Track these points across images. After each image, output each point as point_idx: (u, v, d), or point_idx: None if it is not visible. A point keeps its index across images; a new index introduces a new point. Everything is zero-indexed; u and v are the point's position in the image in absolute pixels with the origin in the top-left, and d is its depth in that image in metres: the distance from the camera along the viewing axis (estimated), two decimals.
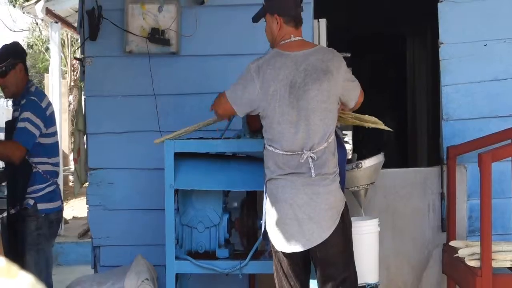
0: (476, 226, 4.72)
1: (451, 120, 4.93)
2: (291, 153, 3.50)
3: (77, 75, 13.82)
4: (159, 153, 4.37)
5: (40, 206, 4.44)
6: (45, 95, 4.66)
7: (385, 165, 4.41)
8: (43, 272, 4.43)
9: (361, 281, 3.87)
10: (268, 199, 3.58)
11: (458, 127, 4.88)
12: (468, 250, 4.08)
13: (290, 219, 3.49)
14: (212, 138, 4.36)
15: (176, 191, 4.24)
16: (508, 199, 4.61)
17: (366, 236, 4.00)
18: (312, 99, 3.49)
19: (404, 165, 7.38)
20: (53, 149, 4.58)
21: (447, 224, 4.76)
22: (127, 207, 5.05)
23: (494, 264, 3.91)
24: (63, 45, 14.72)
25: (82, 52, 5.19)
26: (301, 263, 3.61)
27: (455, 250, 4.25)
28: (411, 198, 4.94)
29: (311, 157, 3.47)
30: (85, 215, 5.26)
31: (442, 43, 4.96)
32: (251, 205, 4.41)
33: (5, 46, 4.66)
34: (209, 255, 4.26)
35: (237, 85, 3.63)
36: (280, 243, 3.53)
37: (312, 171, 3.47)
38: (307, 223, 3.47)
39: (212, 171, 4.26)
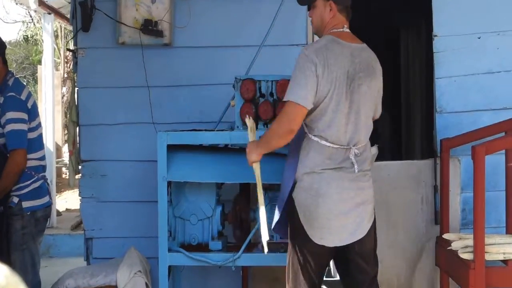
0: (470, 219, 4.72)
1: (444, 112, 4.92)
2: (338, 146, 3.43)
3: (71, 67, 13.77)
4: (152, 145, 4.36)
5: (25, 204, 4.33)
6: (23, 87, 4.46)
7: (379, 158, 4.40)
8: (29, 271, 4.37)
9: None
10: (305, 192, 3.46)
11: (452, 119, 4.88)
12: (461, 243, 4.08)
13: (335, 214, 3.43)
14: (206, 130, 4.35)
15: (169, 183, 4.23)
16: (501, 192, 4.60)
17: None
18: (363, 94, 3.47)
19: (398, 157, 7.38)
20: (37, 143, 4.46)
21: (440, 217, 4.76)
22: (120, 199, 5.04)
23: (487, 257, 3.91)
24: (56, 37, 14.66)
25: (75, 44, 5.16)
26: (327, 260, 3.59)
27: (448, 242, 4.25)
28: (405, 190, 4.93)
29: (355, 152, 3.45)
30: (78, 207, 5.24)
31: (436, 35, 4.95)
32: (244, 198, 4.41)
33: None
34: (202, 248, 4.25)
35: (296, 83, 3.43)
36: (322, 237, 3.45)
37: (356, 166, 3.45)
38: (352, 218, 3.46)
39: (205, 163, 4.25)
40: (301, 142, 3.52)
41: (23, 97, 4.36)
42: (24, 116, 4.32)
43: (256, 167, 3.68)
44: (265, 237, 3.60)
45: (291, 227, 3.58)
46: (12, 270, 1.39)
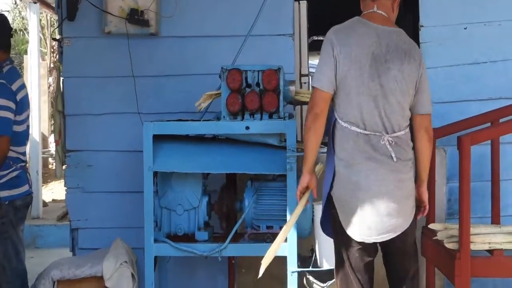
0: (455, 209, 4.73)
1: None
2: (369, 132, 3.33)
3: (57, 57, 13.70)
4: (138, 135, 4.35)
5: (2, 193, 4.27)
6: (18, 78, 4.42)
7: None
8: (13, 259, 4.36)
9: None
10: (343, 185, 3.37)
11: (438, 110, 4.86)
12: (446, 233, 4.08)
13: (375, 208, 3.33)
14: (192, 120, 4.34)
15: (155, 173, 4.22)
16: (487, 182, 4.62)
17: None
18: (392, 78, 3.36)
19: None
20: (22, 137, 4.39)
21: None
22: (106, 190, 5.02)
23: (473, 247, 3.92)
24: (42, 27, 14.57)
25: (60, 33, 5.13)
26: (372, 256, 3.49)
27: (434, 232, 4.25)
28: None
29: (389, 141, 3.34)
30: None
31: (422, 26, 4.95)
32: (231, 188, 4.40)
33: None
34: (188, 238, 4.25)
35: (319, 69, 3.38)
36: (361, 233, 3.38)
37: (393, 155, 3.34)
38: (392, 212, 3.35)
39: (191, 154, 4.24)
40: (334, 133, 3.42)
41: (14, 87, 4.31)
42: (11, 105, 4.26)
43: (304, 197, 3.51)
44: (268, 259, 3.55)
45: (331, 223, 3.49)
46: None
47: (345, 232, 3.40)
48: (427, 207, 3.62)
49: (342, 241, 3.44)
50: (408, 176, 3.41)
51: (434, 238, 4.21)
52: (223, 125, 4.15)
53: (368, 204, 3.33)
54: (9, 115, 4.25)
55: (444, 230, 4.13)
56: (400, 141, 3.38)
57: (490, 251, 3.99)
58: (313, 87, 3.41)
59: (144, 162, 4.13)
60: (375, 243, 3.45)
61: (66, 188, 5.08)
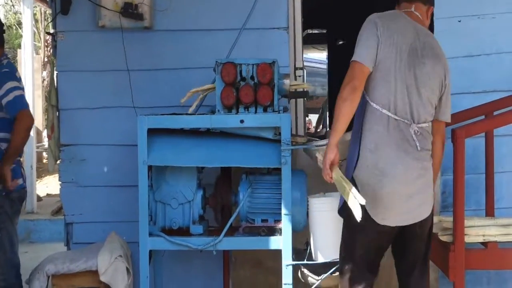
0: (449, 202, 4.74)
1: None
2: (399, 118, 3.44)
3: (51, 51, 13.66)
4: (132, 129, 4.34)
5: None
6: (16, 69, 4.65)
7: None
8: (7, 250, 4.40)
9: (333, 257, 3.89)
10: (369, 170, 3.45)
11: None
12: (441, 226, 4.10)
13: (399, 194, 3.45)
14: (186, 114, 4.33)
15: (150, 167, 4.22)
16: (481, 175, 4.63)
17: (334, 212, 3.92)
18: (425, 74, 3.50)
19: None
20: None
21: None
22: (100, 184, 5.01)
23: (467, 239, 3.94)
24: (36, 21, 14.53)
25: (54, 27, 5.11)
26: (387, 242, 3.58)
27: None
28: None
29: (415, 130, 3.47)
30: (59, 192, 5.20)
31: None
32: (225, 181, 4.40)
33: None
34: (183, 232, 4.25)
35: (361, 44, 3.46)
36: (384, 217, 3.46)
37: (417, 143, 3.46)
38: (415, 199, 3.48)
39: (186, 147, 4.23)
40: (364, 116, 3.50)
41: (17, 75, 4.55)
42: (21, 85, 4.49)
43: (336, 173, 3.46)
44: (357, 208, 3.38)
45: (355, 207, 3.47)
46: None
47: (368, 215, 3.45)
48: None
49: (360, 224, 3.41)
50: (429, 165, 3.56)
51: None
52: (218, 118, 4.15)
53: (393, 190, 3.44)
54: (23, 92, 4.46)
55: (439, 223, 4.14)
56: (424, 132, 3.53)
57: (484, 244, 4.01)
58: (353, 61, 3.45)
59: (139, 156, 4.13)
60: (394, 230, 3.51)
61: (60, 182, 5.07)
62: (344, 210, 3.54)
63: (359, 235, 3.53)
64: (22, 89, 4.50)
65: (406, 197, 3.46)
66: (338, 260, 3.79)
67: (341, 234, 3.67)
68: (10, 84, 4.40)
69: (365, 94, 3.49)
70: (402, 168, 3.44)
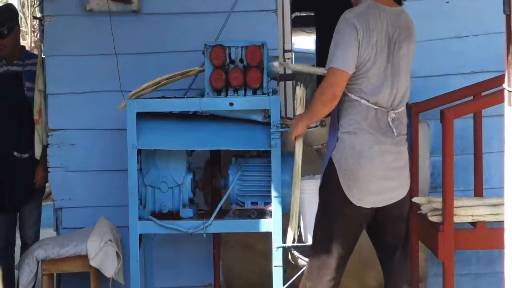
0: (438, 182, 4.76)
1: (413, 77, 4.88)
2: (378, 107, 3.49)
3: (38, 36, 13.57)
4: (121, 113, 4.33)
5: None
6: None
7: None
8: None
9: None
10: (347, 152, 3.49)
11: (421, 84, 4.88)
12: (430, 206, 4.11)
13: (376, 177, 3.49)
14: (175, 97, 4.32)
15: (139, 151, 4.21)
16: (470, 156, 4.65)
17: None
18: (402, 57, 3.54)
19: None
20: None
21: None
22: (89, 169, 4.99)
23: (456, 219, 3.96)
24: (23, 6, 14.43)
25: (41, 11, 5.07)
26: (361, 225, 3.59)
27: (417, 206, 4.28)
28: None
29: (392, 117, 3.51)
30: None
31: (405, 0, 4.94)
32: (215, 165, 4.40)
33: (1, 9, 5.12)
34: (173, 215, 4.25)
35: (338, 48, 3.47)
36: (360, 198, 3.50)
37: (394, 130, 3.51)
38: (391, 182, 3.54)
39: (175, 131, 4.23)
40: (342, 104, 3.54)
41: None
42: None
43: (299, 143, 3.73)
44: (291, 235, 3.74)
45: (326, 188, 3.59)
46: None
47: (345, 196, 3.49)
48: None
49: (336, 204, 3.52)
50: (405, 148, 3.62)
51: (418, 211, 4.24)
52: (207, 101, 4.14)
53: (369, 171, 3.49)
54: None
55: (428, 203, 4.16)
56: (400, 116, 3.57)
57: (473, 224, 4.03)
58: (334, 68, 3.45)
59: (128, 140, 4.12)
60: (369, 212, 3.54)
61: (49, 167, 5.05)
62: (324, 188, 3.59)
63: (335, 219, 3.54)
64: None
65: (382, 179, 3.51)
66: None
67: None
68: None
69: (353, 84, 3.53)
70: (379, 151, 3.49)
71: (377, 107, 3.49)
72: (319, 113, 3.59)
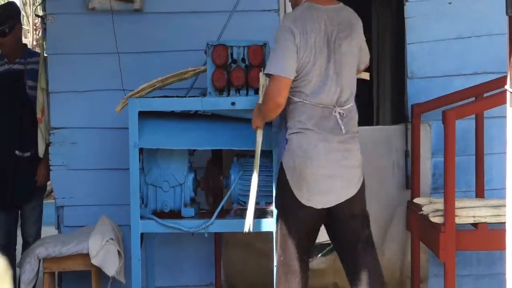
0: (440, 183, 4.76)
1: (415, 78, 4.93)
2: (324, 106, 3.50)
3: (40, 34, 13.57)
4: (123, 112, 4.32)
5: None
6: None
7: None
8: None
9: (324, 238, 3.90)
10: (294, 152, 3.53)
11: (423, 85, 4.89)
12: (432, 207, 4.11)
13: (322, 176, 3.50)
14: (177, 96, 4.32)
15: (141, 150, 4.21)
16: (471, 157, 4.65)
17: None
18: (344, 54, 3.55)
19: (369, 123, 7.40)
20: None
21: (411, 182, 4.79)
22: (91, 167, 4.99)
23: (458, 221, 3.96)
24: (25, 4, 14.43)
25: (44, 9, 5.08)
26: (318, 224, 3.61)
27: (419, 207, 4.29)
28: (376, 156, 4.94)
29: (339, 113, 3.52)
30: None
31: (407, 0, 4.94)
32: (216, 164, 4.40)
33: (3, 7, 5.11)
34: (175, 214, 4.25)
35: (277, 55, 3.53)
36: (309, 198, 3.51)
37: (342, 127, 3.51)
38: (339, 180, 3.53)
39: (177, 130, 4.23)
40: (288, 106, 3.58)
41: None
42: None
43: (259, 133, 3.77)
44: (250, 215, 3.70)
45: (279, 190, 3.63)
46: None
47: (295, 197, 3.52)
48: None
49: (288, 205, 3.57)
50: (355, 147, 3.61)
51: (420, 212, 4.24)
52: (209, 101, 4.15)
53: (316, 171, 3.50)
54: None
55: (429, 204, 4.16)
56: (349, 113, 3.57)
57: (475, 225, 4.03)
58: (273, 74, 3.51)
59: (130, 139, 4.13)
60: (321, 212, 3.55)
61: (51, 165, 5.06)
62: (278, 191, 3.66)
63: (291, 221, 3.57)
64: None
65: (328, 178, 3.51)
66: (329, 241, 3.82)
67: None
68: None
69: (295, 87, 3.57)
70: (324, 149, 3.50)
71: (322, 106, 3.51)
72: (268, 118, 3.69)
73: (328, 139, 3.51)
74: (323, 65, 3.51)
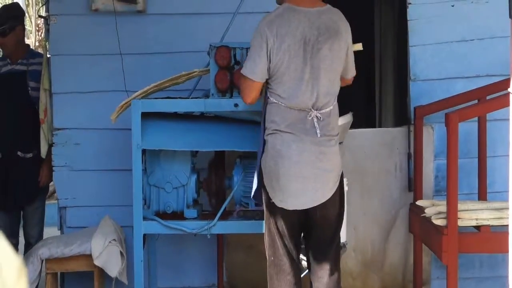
0: (443, 186, 4.76)
1: (418, 80, 4.94)
2: (299, 109, 3.46)
3: (42, 35, 13.58)
4: (126, 113, 4.33)
5: None
6: None
7: (353, 125, 4.41)
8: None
9: None
10: (269, 153, 3.51)
11: (426, 87, 4.90)
12: (434, 209, 4.12)
13: (294, 176, 3.45)
14: (180, 98, 4.32)
15: (144, 151, 4.21)
16: (474, 159, 4.65)
17: None
18: (324, 58, 3.47)
19: (372, 125, 7.41)
20: None
21: (414, 184, 4.80)
22: (94, 168, 5.00)
23: (460, 223, 3.96)
24: (27, 4, 14.44)
25: (47, 10, 5.09)
26: (297, 223, 3.57)
27: (421, 209, 4.29)
28: (379, 158, 4.95)
29: (316, 116, 3.46)
30: None
31: (410, 3, 4.95)
32: (219, 165, 4.40)
33: (5, 7, 5.14)
34: (177, 216, 4.25)
35: (249, 57, 3.54)
36: (281, 199, 3.49)
37: (318, 131, 3.46)
38: (312, 182, 3.46)
39: (179, 131, 4.23)
40: (265, 107, 3.57)
41: None
42: None
43: None
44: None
45: (263, 191, 3.60)
46: None
47: (270, 198, 3.52)
48: None
49: (269, 206, 3.55)
50: (331, 150, 3.52)
51: (422, 214, 4.24)
52: (212, 102, 4.15)
53: (288, 172, 3.46)
54: None
55: (432, 207, 4.16)
56: (327, 117, 3.50)
57: (477, 227, 4.03)
58: (245, 77, 3.53)
59: (133, 140, 4.13)
60: (295, 214, 3.52)
61: (53, 166, 5.06)
62: (260, 193, 3.62)
63: (273, 222, 3.56)
64: None
65: (302, 178, 3.45)
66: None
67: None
68: None
69: (266, 88, 3.57)
70: (297, 149, 3.45)
71: (298, 109, 3.47)
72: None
73: (302, 139, 3.46)
74: (298, 68, 3.45)
